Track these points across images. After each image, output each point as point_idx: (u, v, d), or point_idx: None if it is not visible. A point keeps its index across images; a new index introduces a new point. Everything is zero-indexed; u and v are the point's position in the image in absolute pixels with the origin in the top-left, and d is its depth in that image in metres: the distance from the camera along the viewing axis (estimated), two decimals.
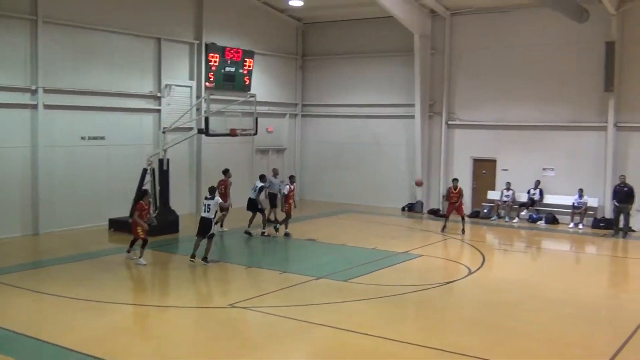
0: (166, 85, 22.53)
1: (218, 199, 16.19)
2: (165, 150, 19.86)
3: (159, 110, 22.36)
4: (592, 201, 22.62)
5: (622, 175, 21.15)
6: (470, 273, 15.48)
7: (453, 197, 21.37)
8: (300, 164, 28.99)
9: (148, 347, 10.36)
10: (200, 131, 19.86)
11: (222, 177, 20.05)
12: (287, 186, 19.71)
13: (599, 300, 13.81)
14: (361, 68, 27.54)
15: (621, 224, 20.91)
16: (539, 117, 23.71)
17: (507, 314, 12.32)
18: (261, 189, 19.76)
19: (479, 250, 18.20)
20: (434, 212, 24.98)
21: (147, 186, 19.11)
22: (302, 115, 29.13)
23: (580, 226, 22.35)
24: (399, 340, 10.54)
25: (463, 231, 20.86)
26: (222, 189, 19.62)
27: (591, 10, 21.36)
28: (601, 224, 22.07)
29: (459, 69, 25.36)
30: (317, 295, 13.29)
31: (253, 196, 19.60)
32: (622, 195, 20.75)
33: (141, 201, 15.91)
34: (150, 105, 22.30)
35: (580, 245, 20.70)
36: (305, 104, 29.11)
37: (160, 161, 19.77)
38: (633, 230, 21.13)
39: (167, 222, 19.56)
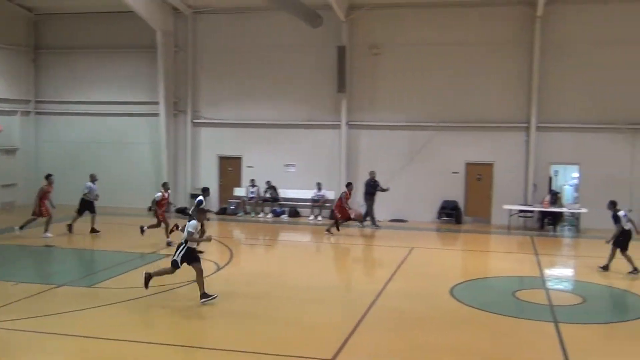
0: None
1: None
2: None
3: None
4: (329, 194, 24.28)
5: (372, 171, 22.87)
6: (219, 269, 15.66)
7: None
8: (36, 165, 26.83)
9: None
10: None
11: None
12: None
13: (338, 284, 14.95)
14: (102, 63, 26.35)
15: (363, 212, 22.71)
16: (280, 116, 24.81)
17: (256, 304, 12.68)
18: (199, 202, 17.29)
19: (227, 246, 18.50)
20: (182, 211, 24.76)
21: None
22: (37, 113, 27.05)
23: (319, 218, 23.91)
24: (147, 342, 10.27)
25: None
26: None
27: (325, 16, 22.87)
28: None
29: (203, 68, 25.49)
30: (58, 304, 12.40)
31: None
32: (375, 187, 22.52)
33: None
34: None
35: (320, 236, 22.07)
36: (40, 100, 27.07)
37: None
38: (365, 220, 23.06)
39: None
